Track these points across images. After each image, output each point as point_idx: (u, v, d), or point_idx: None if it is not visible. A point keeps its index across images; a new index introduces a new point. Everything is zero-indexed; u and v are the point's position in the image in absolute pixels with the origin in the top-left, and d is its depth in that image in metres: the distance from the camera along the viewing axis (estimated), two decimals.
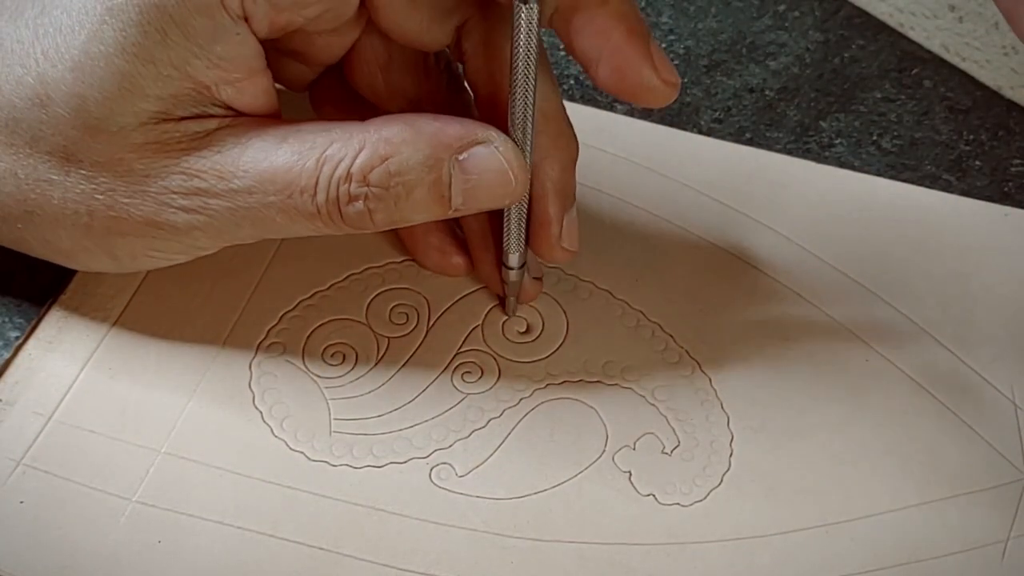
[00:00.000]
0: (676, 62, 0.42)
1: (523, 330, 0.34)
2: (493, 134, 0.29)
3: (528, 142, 0.30)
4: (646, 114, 0.40)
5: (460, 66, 0.33)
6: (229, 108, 0.30)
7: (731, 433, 0.33)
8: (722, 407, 0.33)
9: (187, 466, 0.31)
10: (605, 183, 0.37)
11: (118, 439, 0.31)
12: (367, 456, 0.32)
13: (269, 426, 0.32)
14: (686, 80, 0.41)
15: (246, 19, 0.29)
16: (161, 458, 0.31)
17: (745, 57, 0.42)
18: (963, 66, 0.42)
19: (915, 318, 0.35)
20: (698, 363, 0.34)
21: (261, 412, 0.32)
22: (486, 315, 0.35)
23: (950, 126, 0.40)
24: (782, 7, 0.43)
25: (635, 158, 0.38)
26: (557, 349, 0.34)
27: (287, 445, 0.32)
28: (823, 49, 0.42)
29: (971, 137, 0.40)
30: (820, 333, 0.35)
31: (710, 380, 0.34)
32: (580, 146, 0.32)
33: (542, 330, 0.34)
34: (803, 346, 0.34)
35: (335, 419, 0.32)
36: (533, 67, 0.29)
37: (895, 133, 0.40)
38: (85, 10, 0.29)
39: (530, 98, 0.29)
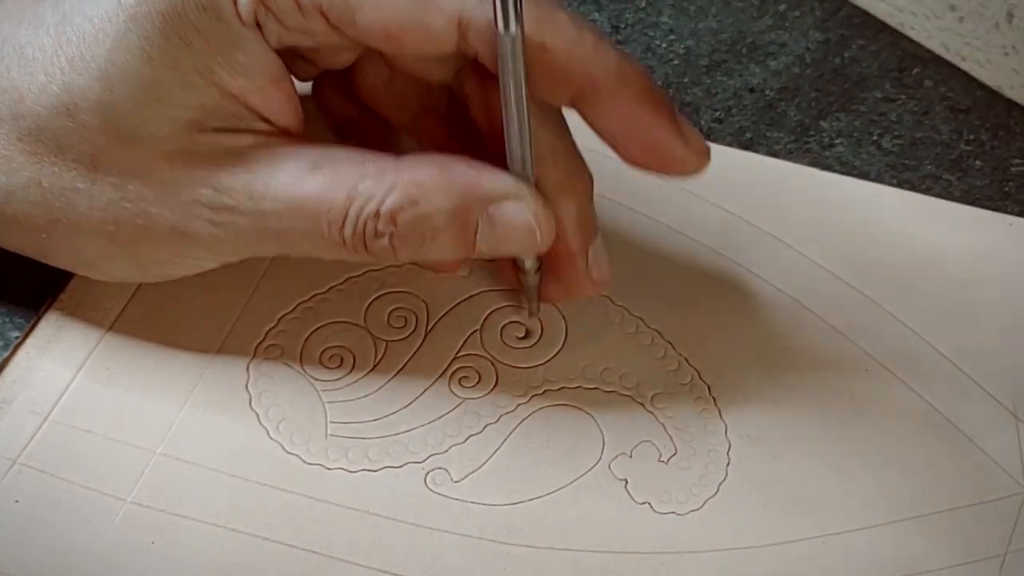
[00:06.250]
0: (676, 62, 0.42)
1: (522, 335, 0.34)
2: (525, 190, 0.29)
3: (529, 169, 0.30)
4: None
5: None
6: (261, 119, 0.30)
7: (728, 442, 0.32)
8: (720, 416, 0.33)
9: (183, 467, 0.31)
10: (606, 188, 0.37)
11: (114, 439, 0.32)
12: (363, 460, 0.32)
13: (265, 428, 0.32)
14: (686, 79, 0.41)
15: (259, 27, 0.29)
16: (157, 459, 0.31)
17: (745, 57, 0.42)
18: (964, 66, 0.41)
19: (916, 328, 0.35)
20: (697, 371, 0.34)
21: (258, 414, 0.32)
22: (485, 319, 0.34)
23: (950, 126, 0.40)
24: (782, 7, 0.43)
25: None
26: (555, 355, 0.34)
27: (283, 448, 0.32)
28: (823, 49, 0.42)
29: (971, 137, 0.40)
30: (820, 342, 0.34)
31: (708, 388, 0.33)
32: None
33: (541, 335, 0.34)
34: (803, 355, 0.34)
35: (331, 422, 0.32)
36: (523, 93, 0.28)
37: (895, 133, 0.40)
38: (108, 18, 0.29)
39: (526, 126, 0.29)
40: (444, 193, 0.29)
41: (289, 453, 0.32)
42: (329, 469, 0.31)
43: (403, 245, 0.29)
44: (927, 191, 0.38)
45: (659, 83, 0.41)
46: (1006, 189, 0.39)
